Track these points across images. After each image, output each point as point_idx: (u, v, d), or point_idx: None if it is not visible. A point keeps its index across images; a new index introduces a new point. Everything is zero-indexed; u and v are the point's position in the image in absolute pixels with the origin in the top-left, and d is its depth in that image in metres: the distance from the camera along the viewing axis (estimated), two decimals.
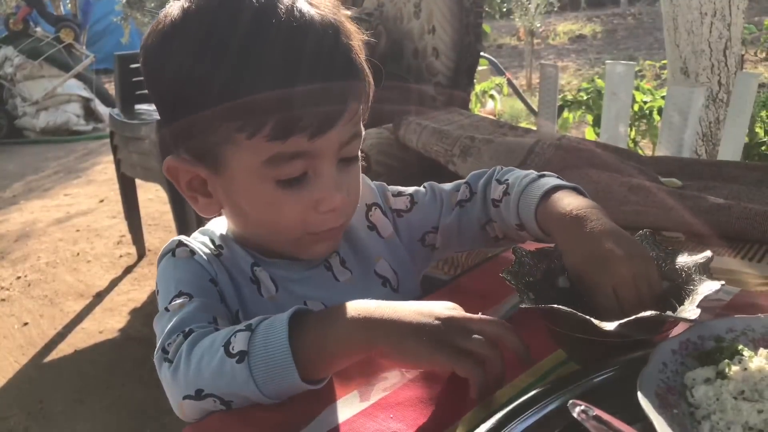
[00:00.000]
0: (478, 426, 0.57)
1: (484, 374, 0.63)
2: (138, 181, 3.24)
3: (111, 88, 6.25)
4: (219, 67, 0.70)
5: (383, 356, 0.65)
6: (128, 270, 3.33)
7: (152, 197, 4.10)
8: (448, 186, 0.97)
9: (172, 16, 0.74)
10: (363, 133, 0.82)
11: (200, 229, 0.89)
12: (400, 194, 0.97)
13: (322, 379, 0.67)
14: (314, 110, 0.71)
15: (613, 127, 3.15)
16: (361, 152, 0.85)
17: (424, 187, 0.98)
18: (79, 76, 6.51)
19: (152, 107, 3.39)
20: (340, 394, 0.69)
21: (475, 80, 4.21)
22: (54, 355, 2.61)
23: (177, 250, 0.82)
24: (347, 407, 0.67)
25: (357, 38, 0.78)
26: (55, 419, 2.22)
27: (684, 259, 0.73)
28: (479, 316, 0.67)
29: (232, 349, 0.65)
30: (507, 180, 0.90)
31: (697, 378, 0.60)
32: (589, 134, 3.63)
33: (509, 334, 0.66)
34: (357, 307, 0.67)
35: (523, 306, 0.67)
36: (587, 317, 0.63)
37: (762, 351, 0.61)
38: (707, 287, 0.67)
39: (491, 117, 3.28)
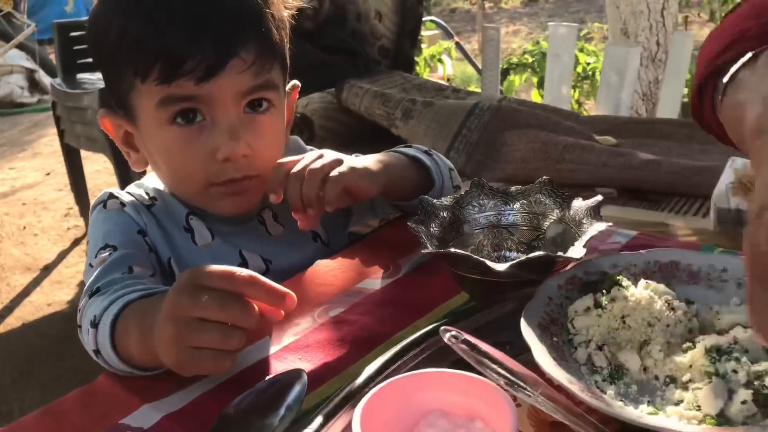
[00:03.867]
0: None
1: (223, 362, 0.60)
2: (85, 154, 3.19)
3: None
4: (116, 16, 0.76)
5: None
6: (76, 242, 3.29)
7: (99, 169, 4.03)
8: None
9: None
10: (282, 87, 0.86)
11: (136, 182, 0.92)
12: None
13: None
14: (198, 55, 0.74)
15: (556, 88, 3.20)
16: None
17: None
18: (21, 47, 6.29)
19: (95, 76, 3.34)
20: (253, 339, 0.71)
21: (423, 44, 4.21)
22: (1, 328, 2.58)
23: (108, 201, 0.85)
24: (258, 351, 0.70)
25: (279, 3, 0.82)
26: (2, 391, 2.21)
27: (578, 204, 0.78)
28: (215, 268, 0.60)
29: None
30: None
31: (578, 309, 0.64)
32: (535, 96, 3.69)
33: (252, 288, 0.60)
34: (149, 315, 0.63)
35: (425, 251, 0.71)
36: (481, 259, 0.67)
37: (641, 282, 0.66)
38: (595, 228, 0.72)
39: (436, 80, 3.29)
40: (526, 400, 0.47)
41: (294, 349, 0.70)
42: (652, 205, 1.91)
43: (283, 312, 0.63)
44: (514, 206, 0.83)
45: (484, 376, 0.50)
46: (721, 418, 0.53)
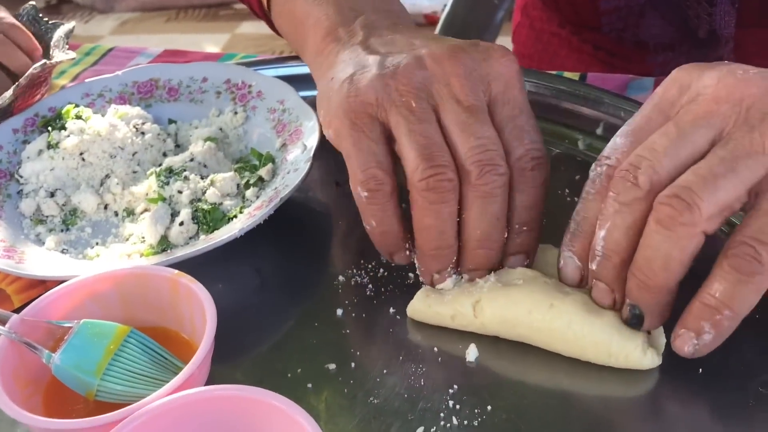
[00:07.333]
0: None
1: None
2: None
3: None
4: None
5: None
6: None
7: None
8: None
9: None
10: None
11: None
12: None
13: None
14: None
15: None
16: None
17: None
18: None
19: None
20: None
21: None
22: None
23: None
24: None
25: None
26: None
27: (59, 34, 0.66)
28: None
29: None
30: None
31: (30, 154, 0.56)
32: None
33: None
34: None
35: None
36: None
37: (111, 109, 0.58)
38: (55, 59, 0.61)
39: None
40: None
41: None
42: None
43: None
44: None
45: None
46: (163, 244, 0.50)
